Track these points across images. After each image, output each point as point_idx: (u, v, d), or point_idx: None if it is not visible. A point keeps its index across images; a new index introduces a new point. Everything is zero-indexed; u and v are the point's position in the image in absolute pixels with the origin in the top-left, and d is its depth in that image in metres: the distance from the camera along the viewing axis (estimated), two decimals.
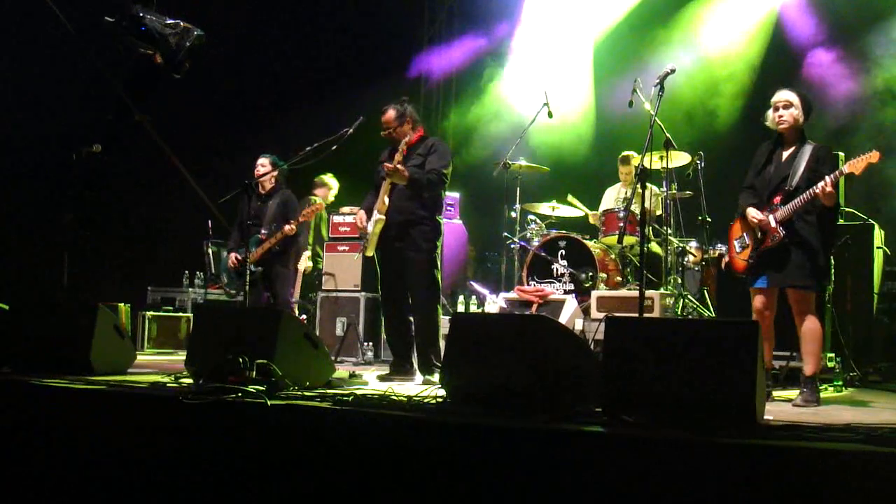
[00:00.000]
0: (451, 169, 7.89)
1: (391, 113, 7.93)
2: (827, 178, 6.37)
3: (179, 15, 7.13)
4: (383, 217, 7.69)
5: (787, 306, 6.72)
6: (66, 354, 6.66)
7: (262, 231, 9.20)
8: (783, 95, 6.76)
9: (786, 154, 6.76)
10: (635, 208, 9.03)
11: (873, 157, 6.34)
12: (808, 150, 6.63)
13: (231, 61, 12.09)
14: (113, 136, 10.14)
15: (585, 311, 9.23)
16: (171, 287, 12.46)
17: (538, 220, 10.47)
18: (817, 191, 6.36)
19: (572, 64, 12.79)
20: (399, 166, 7.56)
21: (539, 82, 11.31)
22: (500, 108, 12.81)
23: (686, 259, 9.76)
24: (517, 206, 10.31)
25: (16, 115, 10.78)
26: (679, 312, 9.02)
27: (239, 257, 9.26)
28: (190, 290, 12.31)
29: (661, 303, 8.80)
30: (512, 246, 10.29)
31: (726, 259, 6.90)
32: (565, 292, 9.68)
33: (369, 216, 7.86)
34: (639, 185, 7.24)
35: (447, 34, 14.48)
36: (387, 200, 7.71)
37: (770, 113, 6.81)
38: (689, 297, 9.28)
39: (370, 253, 7.92)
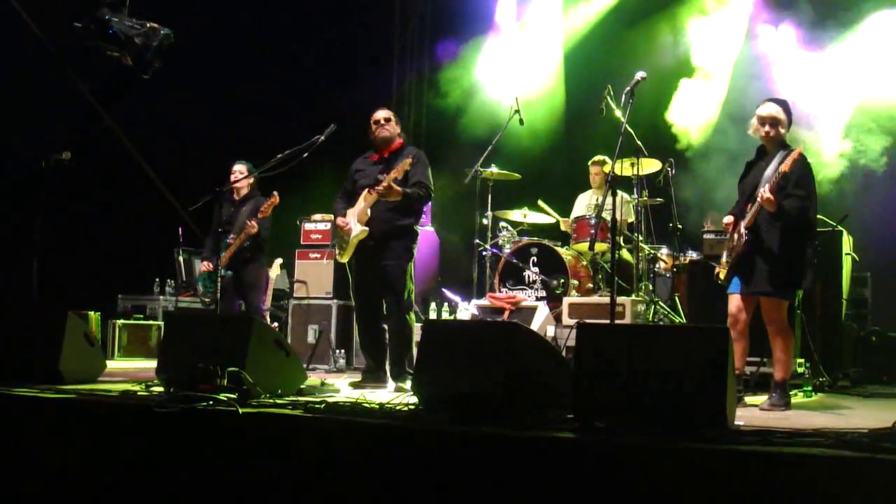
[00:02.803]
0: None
1: (388, 110, 8.02)
2: (766, 184, 6.47)
3: (151, 16, 7.10)
4: (367, 229, 7.68)
5: (759, 312, 6.79)
6: (35, 363, 6.59)
7: (232, 236, 9.21)
8: (770, 110, 6.81)
9: (764, 163, 6.82)
10: (606, 215, 9.06)
11: (795, 153, 6.48)
12: (780, 155, 6.68)
13: (202, 66, 12.04)
14: (82, 143, 10.06)
15: (557, 318, 9.25)
16: (142, 295, 12.41)
17: (510, 227, 10.48)
18: (759, 198, 6.47)
19: (543, 71, 12.83)
20: (394, 185, 7.55)
21: (510, 89, 11.33)
22: (472, 115, 12.81)
23: (657, 266, 9.81)
24: (489, 212, 10.32)
25: None
26: (650, 319, 9.06)
27: (210, 263, 9.27)
28: (161, 297, 12.26)
29: (632, 309, 8.84)
30: (483, 253, 10.30)
31: (717, 269, 6.96)
32: (537, 299, 9.70)
33: None
34: (610, 193, 7.27)
35: (419, 41, 14.49)
36: (369, 212, 7.70)
37: (754, 122, 6.86)
38: (661, 303, 9.31)
39: (345, 259, 7.91)
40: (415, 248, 7.90)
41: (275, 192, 9.21)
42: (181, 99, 11.83)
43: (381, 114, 8.01)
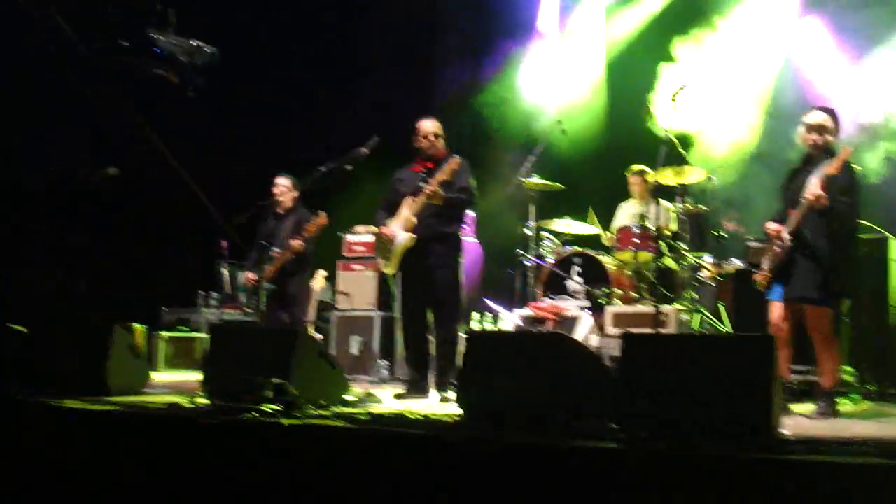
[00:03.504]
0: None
1: (436, 123, 8.01)
2: (813, 181, 6.44)
3: (196, 32, 7.20)
4: (413, 236, 7.70)
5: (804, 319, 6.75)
6: (81, 375, 6.69)
7: (276, 250, 9.26)
8: (817, 118, 6.81)
9: (810, 169, 6.79)
10: (649, 224, 9.06)
11: (845, 153, 6.48)
12: (826, 163, 6.65)
13: (246, 81, 12.14)
14: (128, 157, 10.20)
15: (600, 328, 9.22)
16: (186, 307, 12.50)
17: (553, 237, 10.47)
18: (808, 197, 6.42)
19: (586, 80, 12.81)
20: (439, 189, 7.59)
21: (553, 99, 11.34)
22: (514, 124, 12.82)
23: (701, 274, 9.76)
24: (531, 223, 10.32)
25: (34, 140, 10.84)
26: (695, 328, 9.01)
27: (254, 276, 9.35)
28: (204, 310, 12.34)
29: (676, 318, 8.80)
30: (527, 263, 10.30)
31: (755, 276, 6.92)
32: (580, 309, 9.67)
33: None
34: (653, 201, 7.27)
35: (459, 52, 14.49)
36: (414, 219, 7.73)
37: (801, 130, 6.85)
38: (705, 312, 9.27)
39: (391, 271, 7.94)
40: (461, 257, 7.92)
41: (321, 213, 9.23)
42: (224, 112, 11.93)
43: (429, 127, 7.98)
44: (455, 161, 7.69)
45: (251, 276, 9.44)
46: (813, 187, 6.44)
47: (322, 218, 9.20)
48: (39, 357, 6.95)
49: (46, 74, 10.52)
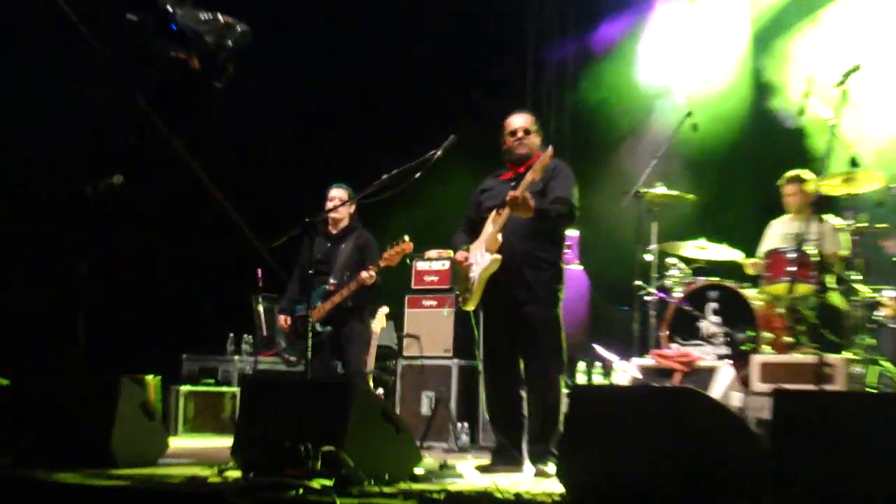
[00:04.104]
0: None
1: (528, 117, 8.03)
2: None
3: (225, 7, 7.23)
4: (499, 257, 7.64)
5: None
6: (80, 442, 6.77)
7: (331, 281, 9.27)
8: None
9: None
10: (810, 247, 8.95)
11: None
12: None
13: (289, 66, 12.25)
14: (137, 163, 10.30)
15: (745, 382, 9.14)
16: (212, 354, 12.61)
17: (681, 265, 10.40)
18: None
19: (725, 59, 12.68)
20: (527, 195, 7.44)
21: (681, 86, 11.27)
22: (629, 119, 12.77)
23: (879, 313, 9.61)
24: (653, 246, 10.27)
25: (17, 141, 11.04)
26: (871, 383, 8.88)
27: (289, 319, 9.35)
28: (236, 357, 12.45)
29: (845, 371, 8.68)
30: (647, 298, 10.24)
31: None
32: (718, 357, 9.60)
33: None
34: (814, 217, 7.18)
35: (560, 26, 14.46)
36: (500, 237, 7.70)
37: None
38: (885, 362, 9.13)
39: (472, 306, 7.91)
40: (562, 291, 7.86)
41: (406, 237, 9.19)
42: (262, 109, 12.04)
43: (517, 122, 7.98)
44: (549, 154, 7.59)
45: (286, 318, 9.47)
46: None
47: (408, 244, 9.15)
48: (28, 419, 7.03)
49: (40, 59, 10.75)
